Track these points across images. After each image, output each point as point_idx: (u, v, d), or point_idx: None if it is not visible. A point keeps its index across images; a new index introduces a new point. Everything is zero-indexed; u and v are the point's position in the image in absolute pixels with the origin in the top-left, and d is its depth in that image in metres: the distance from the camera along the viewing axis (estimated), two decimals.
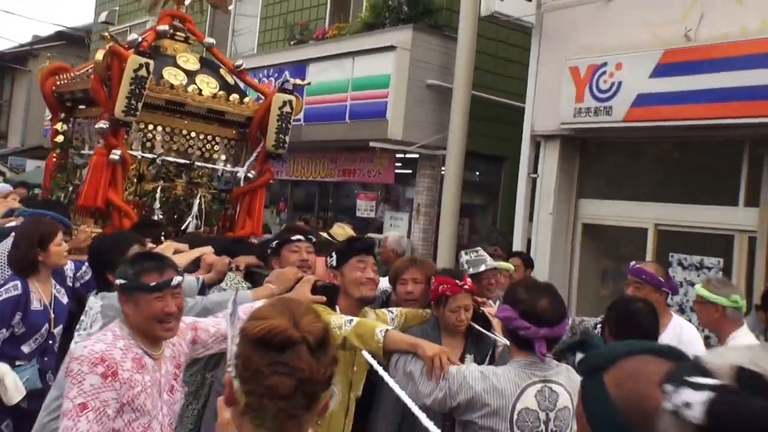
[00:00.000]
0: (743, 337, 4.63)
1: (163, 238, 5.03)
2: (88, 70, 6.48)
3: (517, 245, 9.38)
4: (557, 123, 8.85)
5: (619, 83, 8.15)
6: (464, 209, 12.23)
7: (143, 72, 5.58)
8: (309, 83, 9.34)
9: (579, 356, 1.99)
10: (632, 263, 4.87)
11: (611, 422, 1.47)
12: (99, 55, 5.92)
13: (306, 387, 1.65)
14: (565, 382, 3.07)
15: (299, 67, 12.21)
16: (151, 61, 5.64)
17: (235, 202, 6.40)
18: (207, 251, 4.52)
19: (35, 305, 4.60)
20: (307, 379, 1.65)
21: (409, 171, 11.94)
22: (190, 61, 6.41)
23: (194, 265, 4.41)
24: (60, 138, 6.71)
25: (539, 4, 9.29)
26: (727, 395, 1.12)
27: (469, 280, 4.05)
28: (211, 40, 6.77)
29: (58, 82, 6.73)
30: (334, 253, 3.97)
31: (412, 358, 3.17)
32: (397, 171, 11.98)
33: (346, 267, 3.84)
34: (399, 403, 3.20)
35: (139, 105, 5.68)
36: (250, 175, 6.38)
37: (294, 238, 4.49)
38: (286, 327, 1.67)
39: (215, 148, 6.36)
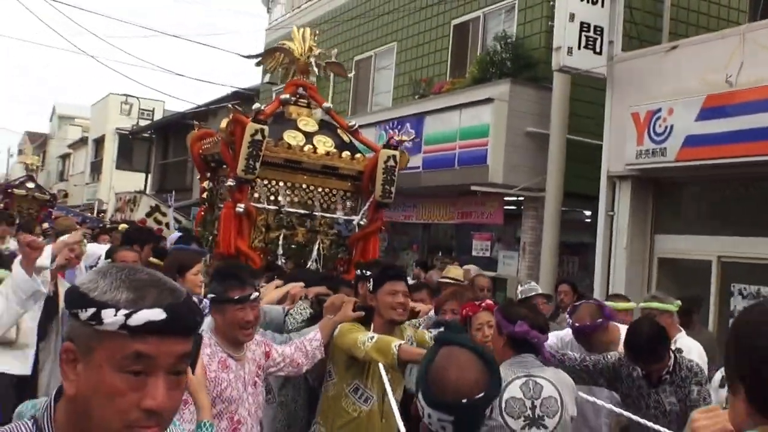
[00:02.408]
0: (683, 339, 5.41)
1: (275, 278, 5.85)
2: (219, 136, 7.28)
3: (597, 280, 10.13)
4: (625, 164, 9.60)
5: (671, 126, 8.82)
6: (574, 247, 13.01)
7: (259, 136, 6.27)
8: (413, 138, 10.55)
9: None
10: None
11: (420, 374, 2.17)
12: (223, 123, 6.83)
13: None
14: (551, 377, 3.64)
15: (419, 119, 13.48)
16: (266, 127, 6.37)
17: (351, 247, 6.93)
18: (296, 285, 5.26)
19: None
20: None
21: (519, 212, 12.85)
22: (309, 124, 7.01)
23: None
24: (206, 194, 7.52)
25: (611, 56, 10.08)
26: None
27: (489, 301, 4.68)
28: (328, 105, 7.46)
29: (204, 146, 7.33)
30: (371, 279, 4.63)
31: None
32: (508, 213, 12.92)
33: (380, 292, 4.37)
34: None
35: (257, 164, 6.31)
36: (362, 222, 6.95)
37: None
38: None
39: (333, 200, 6.92)
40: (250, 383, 3.75)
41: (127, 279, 1.44)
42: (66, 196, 43.63)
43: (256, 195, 6.61)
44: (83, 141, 44.32)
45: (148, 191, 28.84)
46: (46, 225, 14.12)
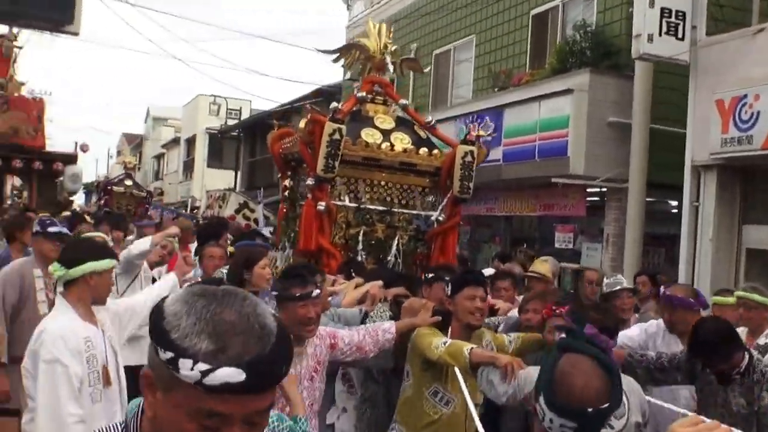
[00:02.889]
0: None
1: (352, 273, 5.95)
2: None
3: (682, 273, 9.85)
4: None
5: (758, 113, 8.49)
6: (659, 239, 12.68)
7: (337, 136, 6.32)
8: (491, 134, 10.47)
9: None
10: (662, 290, 5.43)
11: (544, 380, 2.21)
12: (302, 123, 6.94)
13: None
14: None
15: (498, 112, 13.35)
16: (343, 126, 6.41)
17: (430, 243, 6.94)
18: (375, 284, 5.28)
19: None
20: None
21: (602, 203, 12.60)
22: (386, 121, 7.03)
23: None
24: (287, 192, 7.60)
25: (693, 41, 9.76)
26: None
27: (563, 309, 4.60)
28: (405, 101, 7.45)
29: (284, 145, 7.45)
30: (449, 283, 4.68)
31: (491, 369, 3.78)
32: (591, 204, 12.68)
33: (459, 296, 4.41)
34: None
35: (336, 163, 6.37)
36: (440, 218, 6.94)
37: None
38: None
39: (411, 196, 6.95)
40: (306, 377, 3.82)
41: (211, 320, 1.37)
42: (161, 194, 44.98)
43: (335, 192, 6.69)
44: (176, 141, 45.62)
45: (237, 188, 29.47)
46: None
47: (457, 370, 3.96)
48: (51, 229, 5.63)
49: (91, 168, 62.38)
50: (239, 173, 32.27)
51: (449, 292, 4.50)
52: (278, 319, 1.46)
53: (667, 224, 12.51)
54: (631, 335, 5.52)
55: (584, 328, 3.59)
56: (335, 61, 7.77)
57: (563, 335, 2.75)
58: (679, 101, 10.95)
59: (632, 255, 11.37)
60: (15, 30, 18.97)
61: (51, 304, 5.13)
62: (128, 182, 20.03)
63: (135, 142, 57.74)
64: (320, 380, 3.98)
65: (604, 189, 12.22)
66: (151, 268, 6.98)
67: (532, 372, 3.57)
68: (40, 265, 5.60)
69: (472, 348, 3.92)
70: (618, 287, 6.49)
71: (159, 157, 51.81)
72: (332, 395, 5.19)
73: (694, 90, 9.92)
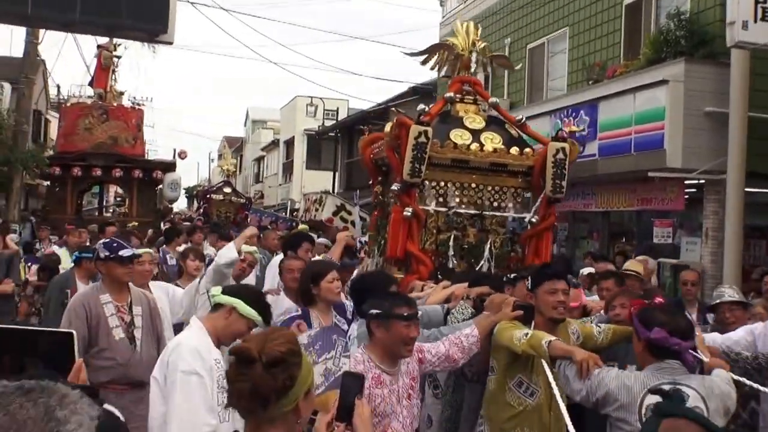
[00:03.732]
0: None
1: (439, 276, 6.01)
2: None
3: None
4: None
5: None
6: (761, 230, 12.28)
7: (423, 138, 6.19)
8: (581, 130, 10.29)
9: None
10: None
11: None
12: (388, 127, 6.73)
13: (259, 392, 2.21)
14: (698, 386, 3.47)
15: (593, 106, 13.17)
16: (429, 129, 6.19)
17: (524, 245, 6.74)
18: (461, 286, 5.27)
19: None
20: (259, 386, 2.21)
21: (701, 196, 12.28)
22: (476, 121, 6.82)
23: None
24: (378, 199, 7.46)
25: None
26: None
27: (659, 299, 4.70)
28: (495, 100, 7.24)
29: (375, 150, 7.30)
30: (530, 277, 4.74)
31: (569, 363, 3.79)
32: (690, 197, 12.37)
33: (540, 290, 4.49)
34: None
35: (422, 167, 6.24)
36: (534, 220, 6.64)
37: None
38: (250, 348, 2.26)
39: (503, 197, 6.73)
40: (404, 396, 3.81)
41: None
42: (261, 197, 45.96)
43: (424, 197, 6.52)
44: (275, 143, 46.48)
45: (336, 189, 29.84)
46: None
47: (543, 362, 3.97)
48: (123, 253, 5.26)
49: (192, 172, 64.21)
50: (337, 174, 32.67)
51: (529, 286, 4.56)
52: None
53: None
54: (736, 338, 5.26)
55: (652, 331, 3.53)
56: (423, 63, 7.71)
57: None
58: None
59: (732, 248, 11.02)
60: (114, 41, 19.62)
61: (127, 327, 5.17)
62: (227, 189, 20.52)
63: (236, 146, 59.24)
64: (416, 397, 3.97)
65: (703, 181, 11.89)
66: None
67: (604, 374, 3.59)
68: (109, 290, 5.27)
69: (551, 340, 3.93)
70: (717, 301, 6.04)
71: (259, 160, 52.90)
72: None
73: None
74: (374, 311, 3.77)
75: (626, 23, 14.37)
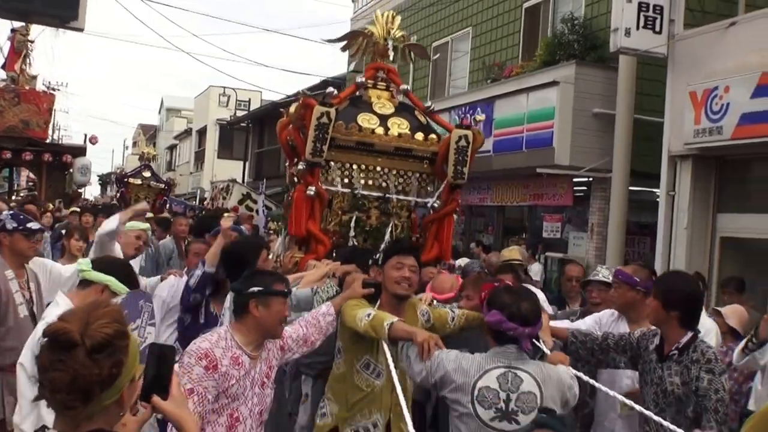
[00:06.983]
0: (704, 319, 5.32)
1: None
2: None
3: (659, 261, 10.09)
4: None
5: (727, 104, 8.73)
6: (645, 228, 12.91)
7: (325, 119, 6.23)
8: (484, 119, 10.59)
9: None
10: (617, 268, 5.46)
11: None
12: (293, 108, 6.85)
13: (80, 383, 1.81)
14: (534, 371, 3.44)
15: (489, 103, 13.63)
16: (332, 110, 6.33)
17: (425, 230, 6.74)
18: (334, 264, 5.25)
19: None
20: (81, 376, 1.80)
21: (589, 193, 12.85)
22: (386, 106, 6.85)
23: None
24: (293, 180, 7.60)
25: (671, 35, 9.99)
26: None
27: (507, 282, 4.51)
28: (406, 87, 7.29)
29: (290, 133, 7.49)
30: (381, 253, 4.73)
31: (411, 344, 3.70)
32: (578, 194, 12.94)
33: (387, 266, 4.30)
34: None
35: (324, 147, 6.28)
36: (435, 204, 6.73)
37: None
38: (70, 330, 1.83)
39: (408, 182, 6.75)
40: (258, 383, 3.62)
41: None
42: (174, 185, 45.34)
43: (330, 178, 6.56)
44: (188, 132, 46.04)
45: (245, 179, 29.76)
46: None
47: (383, 342, 3.88)
48: (31, 225, 5.04)
49: (107, 159, 62.86)
50: (247, 164, 32.61)
51: (379, 262, 4.38)
52: None
53: (651, 213, 12.69)
54: (584, 328, 5.15)
55: (489, 314, 3.52)
56: (343, 49, 7.80)
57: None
58: (662, 92, 11.15)
59: (615, 244, 11.63)
60: (29, 25, 19.40)
61: (29, 304, 4.98)
62: (146, 173, 20.17)
63: (150, 133, 58.25)
64: (270, 386, 3.73)
65: (591, 179, 12.47)
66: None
67: (443, 356, 3.55)
68: (12, 265, 5.00)
69: (392, 322, 3.82)
70: (589, 278, 6.15)
71: (172, 149, 52.29)
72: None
73: (670, 82, 10.17)
74: (256, 288, 3.52)
75: (525, 25, 14.93)
